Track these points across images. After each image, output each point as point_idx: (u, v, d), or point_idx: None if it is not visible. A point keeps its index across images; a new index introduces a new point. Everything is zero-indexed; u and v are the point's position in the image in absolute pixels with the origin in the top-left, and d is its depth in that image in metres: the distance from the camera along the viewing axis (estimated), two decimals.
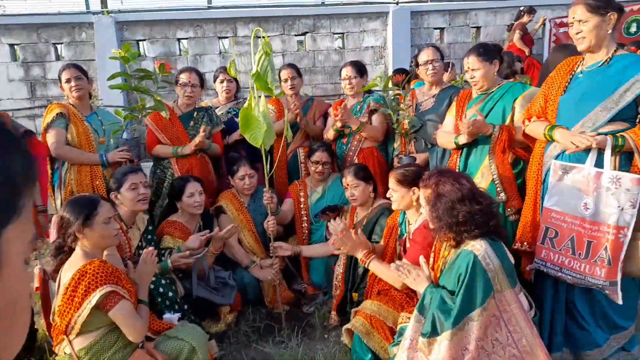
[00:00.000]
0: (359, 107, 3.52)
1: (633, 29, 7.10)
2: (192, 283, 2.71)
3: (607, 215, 2.00)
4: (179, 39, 7.05)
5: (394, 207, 2.58)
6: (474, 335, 1.80)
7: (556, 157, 2.21)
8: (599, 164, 2.04)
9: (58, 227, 2.11)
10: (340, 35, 7.55)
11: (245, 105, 2.26)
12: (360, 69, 3.56)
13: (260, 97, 2.27)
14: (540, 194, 2.28)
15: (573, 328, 2.26)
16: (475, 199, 1.96)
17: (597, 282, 2.04)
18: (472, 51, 2.68)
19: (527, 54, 6.42)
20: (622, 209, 1.96)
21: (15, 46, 6.50)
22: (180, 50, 7.12)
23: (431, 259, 2.26)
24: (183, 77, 3.37)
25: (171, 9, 7.20)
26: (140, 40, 6.93)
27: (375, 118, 3.46)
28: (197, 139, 3.22)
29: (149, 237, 2.77)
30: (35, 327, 2.78)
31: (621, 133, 2.03)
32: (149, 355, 2.04)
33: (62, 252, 2.09)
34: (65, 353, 1.98)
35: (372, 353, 2.28)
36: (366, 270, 2.65)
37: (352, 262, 2.79)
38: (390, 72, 6.79)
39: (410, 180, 2.44)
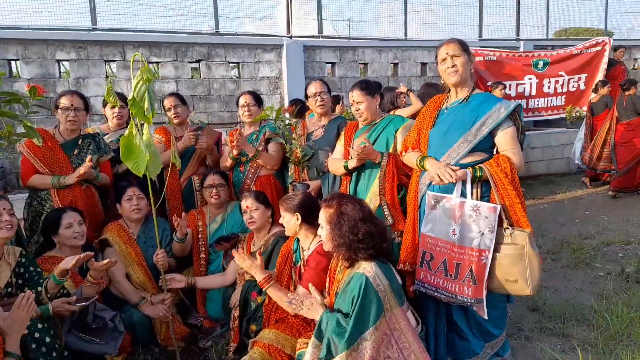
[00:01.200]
0: (255, 135, 3.57)
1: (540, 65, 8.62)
2: (61, 332, 2.39)
3: (471, 239, 2.24)
4: (58, 60, 6.53)
5: (287, 233, 2.64)
6: (368, 355, 1.89)
7: (429, 185, 2.44)
8: (464, 193, 2.30)
9: None
10: (235, 64, 7.61)
11: (126, 133, 2.16)
12: (257, 98, 3.64)
13: (143, 125, 2.19)
14: (417, 217, 2.49)
15: (454, 339, 2.47)
16: (373, 221, 2.13)
17: (466, 300, 2.25)
18: (355, 86, 2.92)
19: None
20: (483, 234, 2.21)
21: None
22: (60, 72, 6.60)
23: (327, 284, 2.34)
24: (64, 101, 3.09)
25: (50, 28, 6.66)
26: (13, 59, 6.30)
27: (271, 146, 3.54)
28: (81, 169, 2.99)
29: (22, 270, 2.44)
30: None
31: (479, 165, 2.32)
32: None
33: None
34: None
35: None
36: (261, 303, 2.66)
37: (246, 292, 2.77)
38: (286, 102, 7.00)
39: (295, 205, 2.54)
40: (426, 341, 2.33)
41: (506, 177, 2.25)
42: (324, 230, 2.15)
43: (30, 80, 6.20)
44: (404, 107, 4.85)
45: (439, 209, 2.33)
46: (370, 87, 2.90)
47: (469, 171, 2.28)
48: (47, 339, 2.20)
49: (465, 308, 2.37)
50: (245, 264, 2.50)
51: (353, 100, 2.89)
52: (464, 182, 2.29)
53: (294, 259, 2.69)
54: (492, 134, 2.35)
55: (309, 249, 2.57)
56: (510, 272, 2.21)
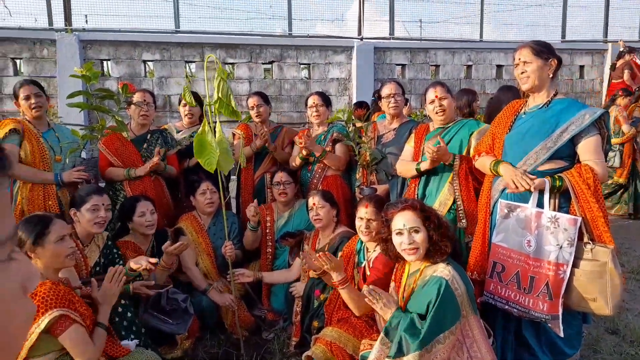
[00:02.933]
0: (323, 136, 3.62)
1: None
2: (140, 310, 2.60)
3: (548, 252, 2.12)
4: (144, 61, 7.02)
5: (366, 238, 2.60)
6: (440, 358, 1.86)
7: (502, 192, 2.35)
8: (541, 203, 2.18)
9: None
10: (306, 65, 7.75)
11: (199, 130, 2.30)
12: (326, 99, 3.69)
13: (215, 123, 2.31)
14: (488, 225, 2.40)
15: (522, 355, 2.35)
16: (446, 224, 2.11)
17: (540, 315, 2.14)
18: (437, 83, 2.87)
19: (635, 88, 6.82)
20: (561, 247, 2.09)
21: None
22: (145, 72, 7.09)
23: (392, 286, 2.32)
24: (137, 97, 3.38)
25: (138, 31, 7.18)
26: (105, 59, 6.86)
27: (338, 148, 3.57)
28: (152, 161, 3.22)
29: (107, 251, 2.69)
30: None
31: (559, 174, 2.19)
32: None
33: None
34: None
35: None
36: (323, 301, 2.68)
37: (309, 290, 2.81)
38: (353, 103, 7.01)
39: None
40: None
41: (588, 188, 2.11)
42: (420, 234, 2.03)
43: (119, 79, 6.72)
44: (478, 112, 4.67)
45: (513, 219, 2.24)
46: (448, 87, 2.86)
47: (547, 180, 2.16)
48: (129, 314, 2.41)
49: (537, 323, 2.26)
50: (331, 266, 2.33)
51: (436, 96, 2.81)
52: (541, 192, 2.18)
53: (356, 259, 2.70)
54: (573, 142, 2.22)
55: (375, 250, 2.56)
56: (588, 290, 2.07)
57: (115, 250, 2.73)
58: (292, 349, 2.78)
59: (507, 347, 2.36)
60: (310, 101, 3.65)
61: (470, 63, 8.33)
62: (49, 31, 6.68)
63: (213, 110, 2.30)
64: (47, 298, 1.84)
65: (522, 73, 2.31)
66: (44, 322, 1.80)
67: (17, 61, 6.54)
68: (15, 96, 3.04)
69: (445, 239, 2.03)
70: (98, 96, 2.99)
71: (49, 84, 6.51)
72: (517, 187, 2.18)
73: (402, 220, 2.07)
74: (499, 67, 8.45)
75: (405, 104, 5.46)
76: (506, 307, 2.24)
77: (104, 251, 2.67)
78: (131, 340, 2.28)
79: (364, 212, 2.55)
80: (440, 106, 2.80)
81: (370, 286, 2.16)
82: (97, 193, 2.63)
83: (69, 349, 1.87)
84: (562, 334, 2.12)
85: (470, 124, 2.83)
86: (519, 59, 2.32)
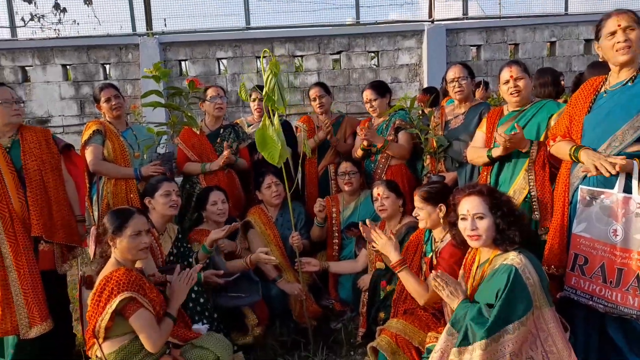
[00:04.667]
0: (385, 125, 3.54)
1: None
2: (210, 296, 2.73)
3: (638, 242, 1.94)
4: (218, 59, 7.30)
5: (420, 225, 2.55)
6: (509, 348, 1.76)
7: (582, 179, 2.15)
8: (628, 187, 1.98)
9: (97, 235, 2.22)
10: (375, 53, 7.61)
11: (260, 125, 2.34)
12: (379, 89, 3.58)
13: (274, 116, 2.35)
14: (567, 215, 2.22)
15: (608, 354, 2.16)
16: (520, 211, 2.03)
17: (630, 311, 1.97)
18: (512, 62, 2.69)
19: None
20: None
21: (67, 66, 6.92)
22: (219, 69, 7.37)
23: (461, 274, 2.22)
24: (211, 92, 3.57)
25: (211, 30, 7.49)
26: (182, 60, 7.23)
27: (401, 136, 3.47)
28: (223, 156, 3.36)
29: (179, 244, 2.85)
30: (74, 331, 2.90)
31: None
32: None
33: (102, 258, 2.20)
34: (97, 356, 2.06)
35: None
36: (390, 292, 2.63)
37: (376, 281, 2.77)
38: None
39: (436, 198, 2.42)
40: (574, 352, 2.06)
41: None
42: (485, 221, 1.97)
43: (195, 78, 7.05)
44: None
45: (596, 206, 2.04)
46: (526, 66, 2.66)
47: (636, 162, 1.94)
48: (202, 300, 2.57)
49: (624, 320, 2.04)
50: (381, 241, 2.43)
51: (511, 77, 2.61)
52: (628, 176, 1.96)
53: (424, 249, 2.61)
54: None
55: (442, 240, 2.46)
56: None
57: (184, 244, 2.89)
58: (360, 339, 2.78)
59: (590, 346, 2.17)
60: (364, 96, 3.59)
61: (554, 39, 7.67)
62: (132, 36, 7.18)
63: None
64: (120, 282, 2.00)
65: (625, 41, 2.05)
66: (115, 302, 1.96)
67: (106, 66, 7.10)
68: (97, 100, 3.30)
69: (515, 228, 1.91)
70: (169, 94, 3.16)
71: (134, 86, 7.01)
72: (598, 171, 1.97)
73: (467, 205, 2.02)
74: (587, 41, 7.69)
75: (479, 87, 5.16)
76: (590, 302, 2.07)
77: (176, 243, 2.84)
78: (202, 325, 2.40)
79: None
80: (515, 87, 2.60)
81: (439, 271, 2.09)
82: (166, 180, 2.84)
83: (137, 330, 2.02)
84: None
85: (549, 105, 2.60)
86: (618, 26, 2.06)
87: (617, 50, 2.08)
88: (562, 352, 1.82)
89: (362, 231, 2.73)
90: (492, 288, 1.86)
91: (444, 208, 2.38)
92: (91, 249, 2.83)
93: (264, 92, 2.34)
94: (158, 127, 3.31)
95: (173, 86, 3.28)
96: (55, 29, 7.75)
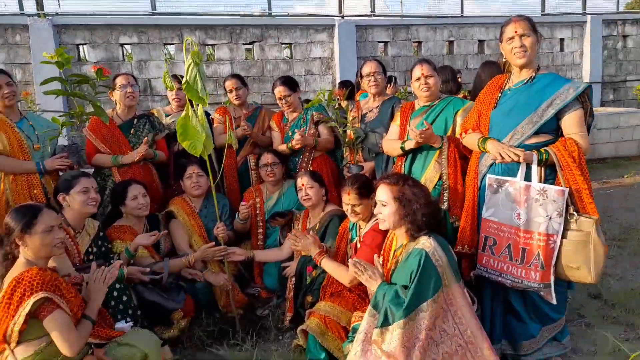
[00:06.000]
0: (302, 120, 3.61)
1: None
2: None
3: (538, 224, 2.18)
4: (122, 44, 6.86)
5: (352, 219, 2.68)
6: (424, 325, 1.93)
7: (489, 167, 2.39)
8: (528, 176, 2.23)
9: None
10: (288, 45, 7.67)
11: (182, 115, 2.27)
12: (291, 84, 3.63)
13: (198, 106, 2.30)
14: (476, 200, 2.44)
15: (510, 321, 2.43)
16: (433, 200, 2.20)
17: (532, 285, 2.21)
18: (423, 60, 2.87)
19: None
20: (550, 218, 2.15)
21: None
22: (124, 55, 6.93)
23: (380, 260, 2.37)
24: (120, 80, 3.32)
25: (113, 14, 7.00)
26: (81, 44, 6.68)
27: (321, 129, 3.59)
28: (140, 150, 3.19)
29: (100, 242, 2.69)
30: None
31: (545, 148, 2.23)
32: None
33: (7, 259, 2.00)
34: None
35: (326, 352, 2.35)
36: (317, 277, 2.74)
37: (302, 267, 2.86)
38: (337, 82, 7.00)
39: (367, 191, 2.58)
40: (482, 322, 2.31)
41: (574, 161, 2.16)
42: (387, 208, 2.15)
43: (97, 64, 6.56)
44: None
45: (502, 193, 2.28)
46: (435, 65, 2.87)
47: (535, 154, 2.20)
48: (124, 298, 2.44)
49: (524, 291, 2.34)
50: (300, 245, 2.66)
51: (422, 74, 2.79)
52: (528, 165, 2.22)
53: (349, 236, 2.74)
54: (558, 116, 2.26)
55: (365, 226, 2.60)
56: (573, 259, 2.14)
57: (105, 242, 2.73)
58: (287, 323, 2.84)
59: (496, 314, 2.44)
60: (276, 93, 3.61)
61: (452, 39, 8.33)
62: (20, 16, 6.46)
63: None
64: (33, 282, 1.85)
65: (521, 47, 2.29)
66: (29, 304, 1.82)
67: None
68: None
69: (424, 216, 2.08)
70: (73, 82, 2.93)
71: (24, 70, 6.33)
72: (503, 159, 2.22)
73: (377, 193, 2.23)
74: (481, 42, 8.48)
75: (390, 82, 5.46)
76: (500, 279, 2.30)
77: (96, 241, 2.66)
78: (126, 323, 2.30)
79: (347, 199, 2.62)
80: (426, 84, 2.80)
81: (355, 259, 2.26)
82: (84, 176, 2.64)
83: (51, 333, 1.88)
84: (554, 301, 2.20)
85: (455, 102, 2.85)
86: (515, 32, 2.29)
87: (514, 54, 2.33)
88: (470, 322, 2.03)
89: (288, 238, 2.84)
90: (406, 271, 2.02)
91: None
92: None
93: (183, 82, 2.26)
94: (61, 116, 3.06)
95: (78, 73, 3.04)
96: None
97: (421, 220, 2.07)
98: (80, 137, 3.39)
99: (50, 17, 6.45)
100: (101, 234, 2.73)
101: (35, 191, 2.93)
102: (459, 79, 4.78)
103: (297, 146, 3.41)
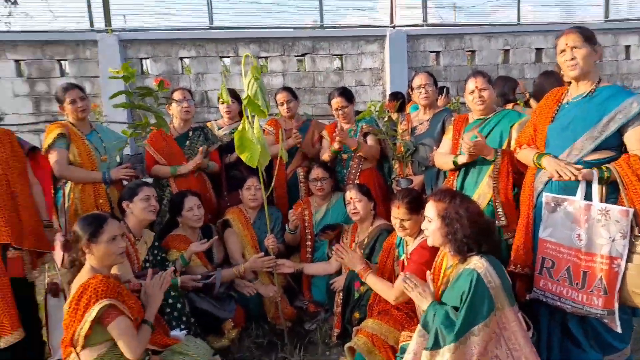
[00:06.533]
0: (352, 132, 3.63)
1: None
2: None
3: (600, 246, 2.06)
4: (181, 58, 7.18)
5: (399, 234, 2.65)
6: (476, 350, 1.87)
7: (545, 184, 2.30)
8: (588, 194, 2.12)
9: (64, 243, 2.18)
10: (338, 56, 7.72)
11: (240, 127, 2.35)
12: (349, 96, 3.66)
13: (254, 118, 2.37)
14: (532, 218, 2.35)
15: (569, 348, 2.31)
16: (484, 218, 2.13)
17: (595, 311, 2.09)
18: (477, 73, 2.81)
19: None
20: (614, 240, 2.03)
21: (21, 62, 6.60)
22: (182, 68, 7.26)
23: (428, 276, 2.34)
24: (177, 95, 3.51)
25: (174, 29, 7.35)
26: (144, 58, 7.06)
27: (369, 139, 3.59)
28: (196, 159, 3.35)
29: (156, 251, 2.84)
30: (43, 339, 2.81)
31: (606, 165, 2.12)
32: None
33: (74, 265, 2.15)
34: None
35: None
36: (364, 292, 2.75)
37: (349, 282, 2.87)
38: (387, 93, 6.96)
39: (418, 206, 2.55)
40: (538, 348, 2.22)
41: (638, 180, 2.04)
42: (432, 224, 2.12)
43: (158, 77, 6.90)
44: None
45: (560, 212, 2.18)
46: (490, 77, 2.81)
47: (595, 171, 2.10)
48: (179, 305, 2.56)
49: (582, 316, 2.22)
50: (345, 259, 2.66)
51: (476, 87, 2.74)
52: (588, 184, 2.12)
53: (396, 253, 2.73)
54: (621, 132, 2.15)
55: (413, 243, 2.58)
56: (639, 284, 2.02)
57: (161, 253, 2.88)
58: (334, 339, 2.85)
59: (553, 341, 2.33)
60: (334, 104, 3.62)
61: (507, 47, 8.07)
62: (90, 32, 6.93)
63: None
64: (97, 289, 1.97)
65: (572, 59, 2.22)
66: (94, 310, 1.93)
67: (63, 63, 6.82)
68: (60, 100, 3.16)
69: (473, 238, 2.00)
70: (138, 94, 3.10)
71: (92, 84, 6.78)
72: (561, 177, 2.13)
73: (426, 209, 2.19)
74: (539, 50, 8.14)
75: (441, 93, 5.38)
76: (558, 303, 2.20)
77: (152, 250, 2.82)
78: (180, 331, 2.40)
79: (396, 213, 2.60)
80: (480, 97, 2.75)
81: (407, 273, 2.22)
82: (146, 185, 2.84)
83: (115, 338, 1.99)
84: (619, 329, 2.08)
85: (511, 115, 2.77)
86: (566, 45, 2.23)
87: (567, 67, 2.25)
88: (525, 348, 1.94)
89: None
90: (457, 291, 1.96)
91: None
92: (58, 256, 2.75)
93: (244, 97, 2.35)
94: (129, 129, 3.25)
95: (143, 86, 3.23)
96: (5, 22, 7.35)
97: (461, 241, 2.01)
98: (142, 148, 3.59)
99: (117, 33, 6.87)
100: (156, 243, 2.88)
101: (100, 200, 3.11)
102: (525, 92, 4.61)
103: (336, 144, 3.42)
